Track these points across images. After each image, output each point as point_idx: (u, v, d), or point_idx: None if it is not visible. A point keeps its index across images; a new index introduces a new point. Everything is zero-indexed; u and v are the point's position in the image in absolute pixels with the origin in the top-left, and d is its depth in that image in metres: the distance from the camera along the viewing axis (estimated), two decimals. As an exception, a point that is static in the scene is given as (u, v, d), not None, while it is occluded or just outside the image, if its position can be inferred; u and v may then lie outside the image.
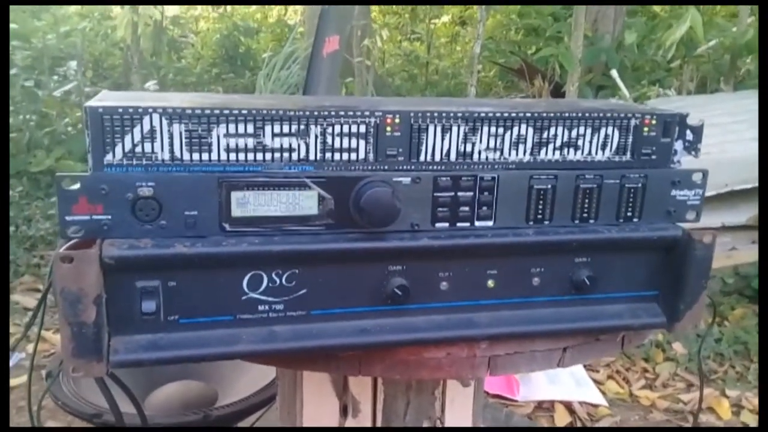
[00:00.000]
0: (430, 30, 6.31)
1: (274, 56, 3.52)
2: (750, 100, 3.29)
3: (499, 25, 6.09)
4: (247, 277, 0.61)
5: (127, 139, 0.57)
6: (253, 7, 7.38)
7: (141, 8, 4.40)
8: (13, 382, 1.83)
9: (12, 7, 3.78)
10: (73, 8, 5.75)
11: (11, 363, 0.98)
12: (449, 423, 0.95)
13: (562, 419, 1.86)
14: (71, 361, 0.57)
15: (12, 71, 3.71)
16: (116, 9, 5.34)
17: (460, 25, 6.83)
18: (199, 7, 7.07)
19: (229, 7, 6.99)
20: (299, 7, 6.69)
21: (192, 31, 6.96)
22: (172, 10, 6.19)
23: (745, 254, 2.64)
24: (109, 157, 0.57)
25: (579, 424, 1.85)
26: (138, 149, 0.58)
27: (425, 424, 0.94)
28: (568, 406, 1.91)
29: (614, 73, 3.65)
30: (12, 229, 2.83)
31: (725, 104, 3.24)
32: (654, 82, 4.02)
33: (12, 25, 3.81)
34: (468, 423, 0.98)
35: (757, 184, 2.60)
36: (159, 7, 5.08)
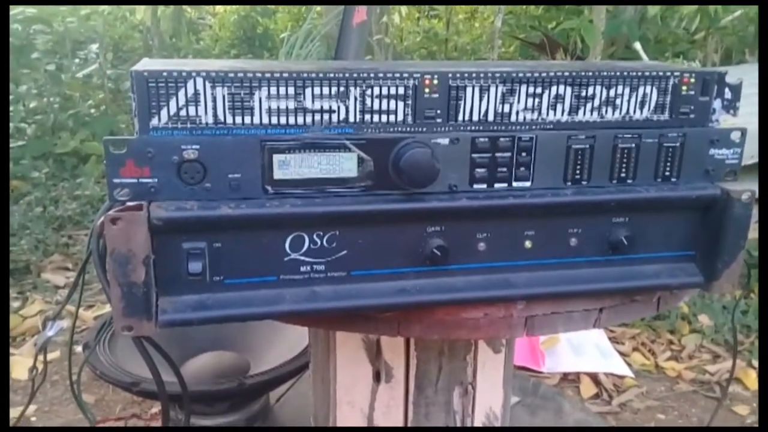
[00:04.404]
0: (448, 6, 6.24)
1: (293, 34, 3.52)
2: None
3: (519, -1, 6.01)
4: (289, 239, 0.62)
5: (172, 102, 0.58)
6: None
7: (159, -10, 4.41)
8: (48, 356, 1.87)
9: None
10: (91, -9, 5.77)
11: (52, 332, 1.00)
12: (480, 388, 0.97)
13: (587, 390, 1.87)
14: (122, 320, 0.59)
15: (34, 55, 3.74)
16: (134, -9, 5.34)
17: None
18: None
19: (245, -12, 6.97)
20: (316, -14, 6.64)
21: (209, 12, 6.97)
22: (188, -9, 6.18)
23: (772, 227, 2.62)
24: (154, 120, 0.58)
25: (605, 395, 1.86)
26: (182, 113, 0.59)
27: (457, 390, 0.95)
28: (594, 378, 1.92)
29: (637, 45, 3.59)
30: (39, 209, 2.88)
31: (750, 75, 3.19)
32: (678, 55, 3.96)
33: (32, 10, 3.84)
34: (499, 388, 0.99)
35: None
36: (177, -12, 5.09)
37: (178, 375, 0.89)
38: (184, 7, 5.71)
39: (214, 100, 0.59)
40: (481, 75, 0.64)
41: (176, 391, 0.94)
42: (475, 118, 0.65)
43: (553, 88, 0.65)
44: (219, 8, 7.03)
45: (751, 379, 1.93)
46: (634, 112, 0.68)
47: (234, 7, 6.57)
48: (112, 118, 3.78)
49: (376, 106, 0.63)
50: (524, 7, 5.82)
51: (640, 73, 0.67)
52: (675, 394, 1.89)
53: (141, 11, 4.61)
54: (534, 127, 0.66)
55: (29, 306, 2.27)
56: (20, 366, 1.87)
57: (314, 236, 0.63)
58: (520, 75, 0.64)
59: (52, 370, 1.91)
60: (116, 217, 0.56)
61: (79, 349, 1.60)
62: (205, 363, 1.35)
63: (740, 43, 4.11)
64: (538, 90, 0.65)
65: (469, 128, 0.65)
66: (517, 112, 0.65)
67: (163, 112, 0.58)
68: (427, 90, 0.63)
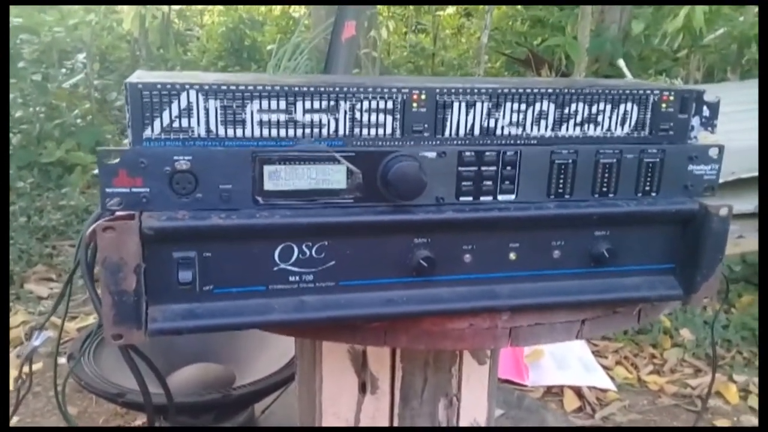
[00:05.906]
0: (435, 21, 6.31)
1: (281, 47, 3.54)
2: (757, 89, 3.29)
3: (505, 15, 6.09)
4: (278, 249, 0.63)
5: (165, 114, 0.59)
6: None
7: (148, 1, 4.41)
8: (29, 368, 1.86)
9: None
10: (77, 2, 5.75)
11: (38, 342, 1.00)
12: (465, 399, 0.98)
13: (571, 403, 1.89)
14: (112, 328, 0.59)
15: (20, 64, 3.73)
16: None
17: (465, 17, 6.82)
18: (204, 0, 7.05)
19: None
20: (304, 0, 6.66)
21: (197, 24, 6.98)
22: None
23: (752, 242, 2.65)
24: (147, 131, 0.59)
25: (588, 409, 1.88)
26: (175, 124, 0.60)
27: (442, 401, 0.96)
28: (577, 391, 1.94)
29: (621, 62, 3.65)
30: (24, 219, 2.86)
31: (732, 93, 3.25)
32: (660, 72, 4.02)
33: (18, 20, 3.83)
34: (483, 400, 1.00)
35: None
36: None
37: (164, 386, 0.90)
38: (172, 18, 5.71)
39: (207, 112, 0.60)
40: (468, 91, 0.65)
41: (161, 402, 0.94)
42: (462, 132, 0.66)
43: (537, 105, 0.67)
44: (207, 20, 7.05)
45: (732, 393, 1.95)
46: (616, 128, 0.70)
47: (222, 18, 6.59)
48: (98, 128, 3.76)
49: (365, 120, 0.64)
50: (510, 23, 5.90)
51: (621, 91, 0.69)
52: (657, 407, 1.91)
53: (128, 21, 4.60)
54: (518, 141, 0.68)
55: (12, 317, 2.25)
56: (2, 377, 1.85)
57: (303, 247, 0.64)
58: (506, 91, 0.66)
59: (33, 381, 1.88)
60: (108, 226, 0.57)
61: (62, 360, 1.59)
62: (190, 375, 1.35)
63: (722, 62, 4.18)
64: (523, 106, 0.67)
65: (455, 142, 0.66)
66: (503, 127, 0.67)
67: (156, 124, 0.59)
68: (415, 105, 0.64)
